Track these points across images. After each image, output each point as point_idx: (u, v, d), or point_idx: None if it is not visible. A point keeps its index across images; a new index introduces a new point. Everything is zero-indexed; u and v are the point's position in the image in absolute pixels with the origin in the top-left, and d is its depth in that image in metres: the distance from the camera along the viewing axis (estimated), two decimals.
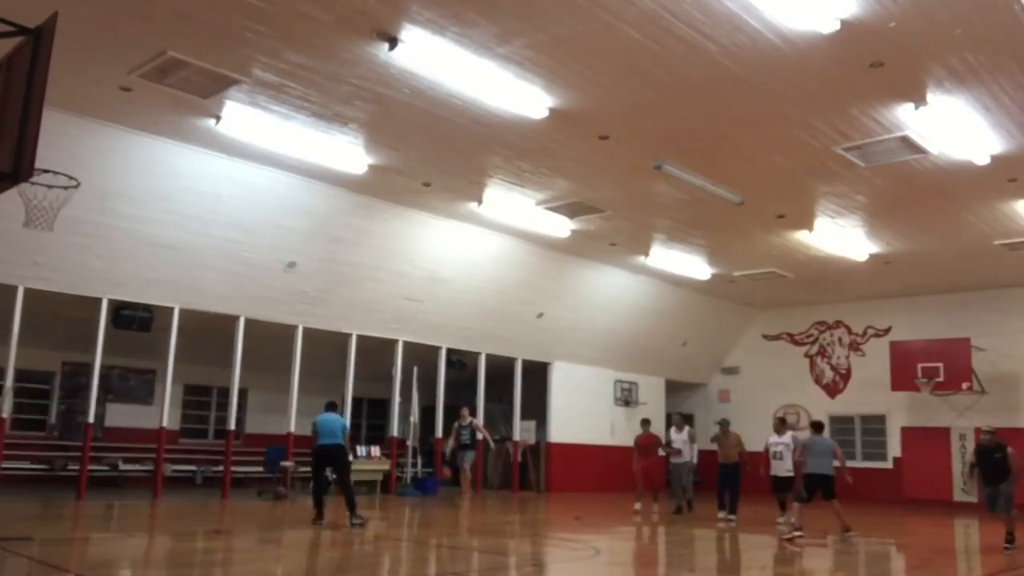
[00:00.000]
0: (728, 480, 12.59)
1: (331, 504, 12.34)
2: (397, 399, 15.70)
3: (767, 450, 12.26)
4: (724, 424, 13.28)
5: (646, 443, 13.90)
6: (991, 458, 9.70)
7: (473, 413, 15.69)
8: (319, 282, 13.77)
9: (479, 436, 15.31)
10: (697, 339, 20.89)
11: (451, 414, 17.36)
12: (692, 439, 13.75)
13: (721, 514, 12.37)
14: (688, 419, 15.19)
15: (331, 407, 10.85)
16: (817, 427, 11.26)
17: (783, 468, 12.04)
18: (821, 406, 20.44)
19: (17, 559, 6.51)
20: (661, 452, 13.79)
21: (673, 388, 21.73)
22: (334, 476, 11.24)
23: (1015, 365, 17.68)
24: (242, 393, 15.34)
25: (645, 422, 14.37)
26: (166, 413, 13.09)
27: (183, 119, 10.16)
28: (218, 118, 9.98)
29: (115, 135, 10.51)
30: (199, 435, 16.52)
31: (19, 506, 10.81)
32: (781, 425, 12.59)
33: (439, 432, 16.48)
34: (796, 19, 7.28)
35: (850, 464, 19.66)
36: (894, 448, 19.19)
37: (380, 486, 15.67)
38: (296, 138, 10.48)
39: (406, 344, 15.68)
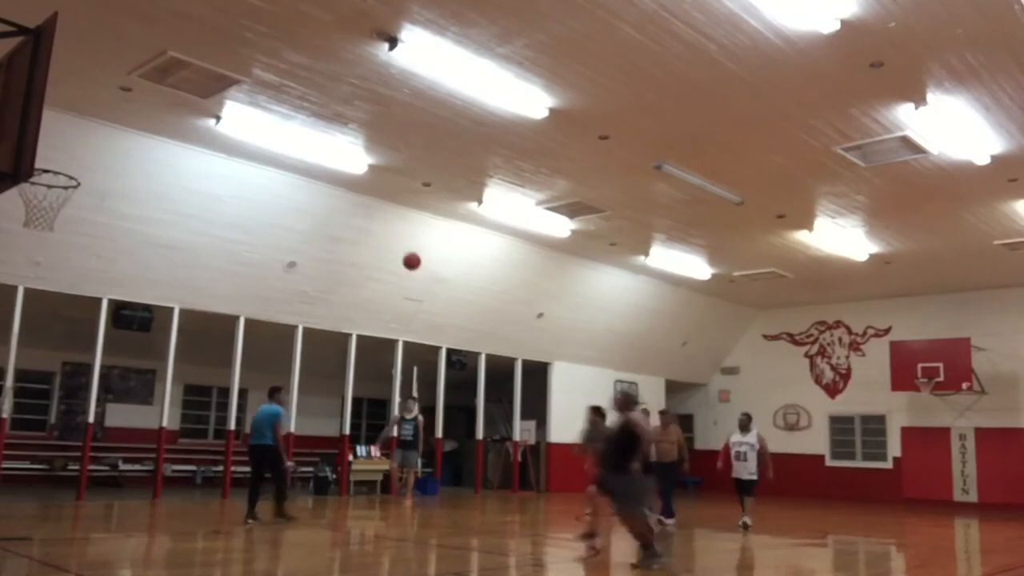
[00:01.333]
0: (662, 480, 10.90)
1: (335, 505, 12.36)
2: (397, 399, 15.70)
3: (727, 448, 11.27)
4: (665, 415, 11.90)
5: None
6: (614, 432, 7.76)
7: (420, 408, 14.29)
8: (319, 282, 13.77)
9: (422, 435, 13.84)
10: (697, 339, 20.90)
11: (451, 414, 17.43)
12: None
13: (656, 518, 10.75)
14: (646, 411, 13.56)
15: (272, 393, 10.09)
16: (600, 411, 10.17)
17: (746, 470, 11.00)
18: (821, 406, 20.47)
19: (17, 559, 6.51)
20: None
21: (673, 388, 21.73)
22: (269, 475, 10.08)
23: (1015, 365, 17.68)
24: (242, 393, 15.32)
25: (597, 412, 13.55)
26: (166, 413, 13.09)
27: (183, 119, 10.16)
28: (218, 118, 9.98)
29: (115, 135, 10.51)
30: (199, 435, 16.53)
31: (19, 506, 10.81)
32: (749, 422, 11.38)
33: (439, 432, 16.49)
34: (796, 19, 7.28)
35: (850, 464, 20.02)
36: (894, 448, 19.19)
37: (380, 486, 15.67)
38: (296, 138, 10.48)
39: (406, 344, 15.68)
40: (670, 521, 11.23)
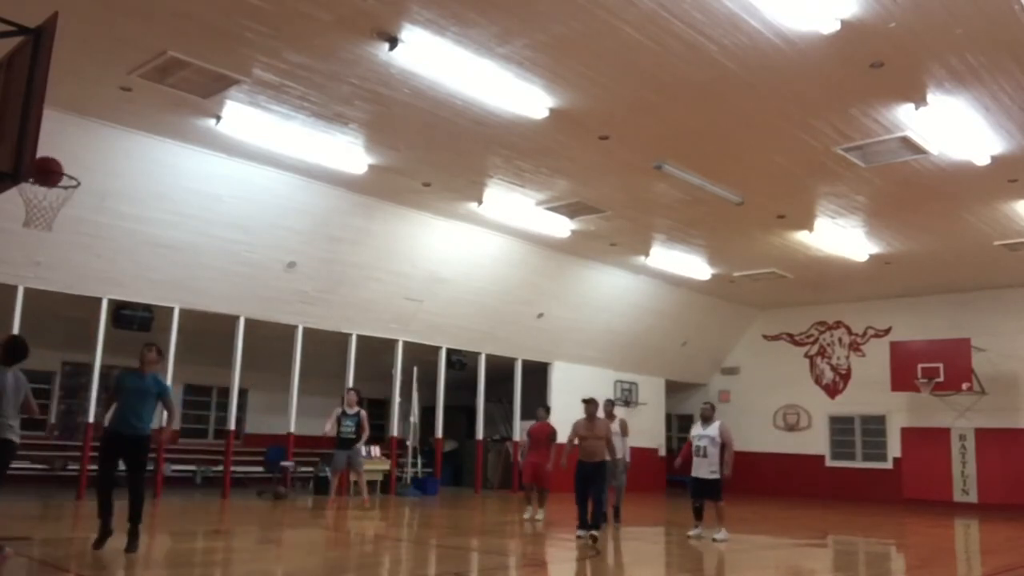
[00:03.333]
0: (589, 482, 9.30)
1: (335, 505, 12.34)
2: (397, 399, 15.71)
3: (688, 444, 10.21)
4: (590, 404, 9.77)
5: (537, 434, 11.84)
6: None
7: (361, 401, 12.68)
8: (319, 282, 13.77)
9: (365, 432, 12.37)
10: (697, 339, 20.89)
11: (451, 413, 17.43)
12: (624, 431, 11.63)
13: (581, 532, 9.26)
14: (610, 404, 11.91)
15: (153, 357, 7.32)
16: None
17: (706, 468, 9.82)
18: (821, 406, 20.46)
19: (17, 559, 6.51)
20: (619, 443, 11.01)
21: (673, 388, 21.74)
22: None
23: (1015, 365, 17.67)
24: (242, 393, 15.34)
25: (542, 408, 12.37)
26: (166, 413, 13.05)
27: (183, 119, 10.16)
28: (218, 118, 9.98)
29: (115, 135, 10.51)
30: (199, 435, 16.52)
31: (19, 506, 10.80)
32: (712, 412, 10.23)
33: (439, 432, 16.50)
34: (796, 19, 7.28)
35: (850, 464, 20.03)
36: (894, 448, 19.19)
37: (380, 486, 15.67)
38: (296, 138, 10.48)
39: (406, 344, 15.69)
40: (595, 533, 9.16)
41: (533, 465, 11.66)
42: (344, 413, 12.44)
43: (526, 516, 11.45)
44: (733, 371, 22.23)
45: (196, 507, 12.15)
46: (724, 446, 9.91)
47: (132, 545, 6.92)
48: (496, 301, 16.20)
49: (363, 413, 12.50)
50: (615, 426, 11.38)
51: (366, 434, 12.48)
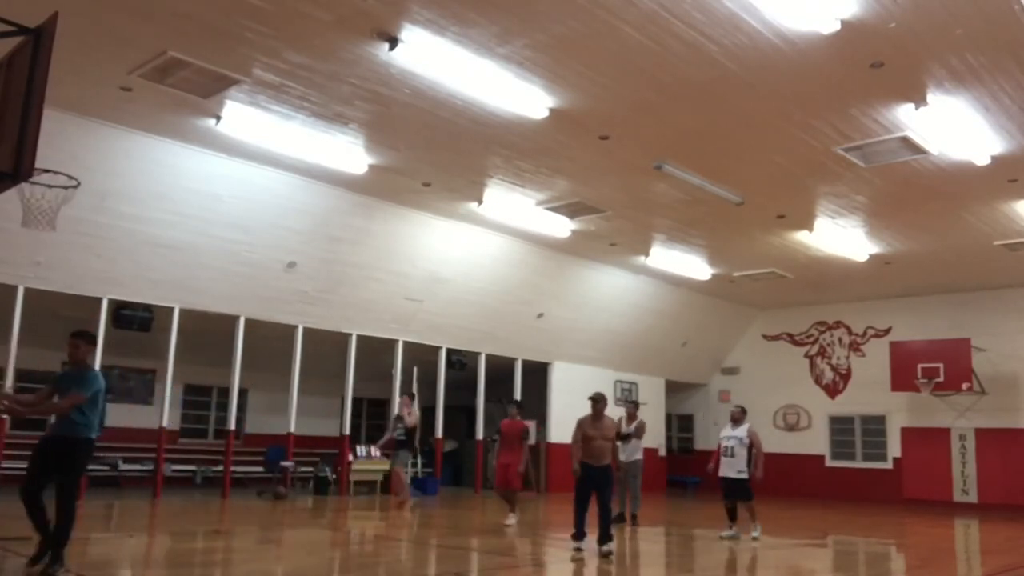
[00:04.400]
0: (595, 488, 8.42)
1: (335, 505, 12.34)
2: (397, 399, 15.70)
3: (718, 447, 10.28)
4: (598, 402, 8.88)
5: (508, 432, 11.05)
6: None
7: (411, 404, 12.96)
8: (319, 282, 13.77)
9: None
10: (697, 339, 20.90)
11: (451, 413, 17.43)
12: (640, 434, 11.44)
13: (580, 544, 8.33)
14: (634, 406, 12.23)
15: (76, 346, 6.15)
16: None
17: (734, 468, 9.97)
18: (821, 406, 20.47)
19: (17, 559, 6.52)
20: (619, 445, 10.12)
21: (673, 388, 21.74)
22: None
23: (1015, 365, 17.67)
24: (242, 393, 15.34)
25: (513, 404, 11.57)
26: (166, 413, 13.10)
27: (183, 119, 10.16)
28: (218, 118, 9.98)
29: (115, 135, 10.51)
30: (199, 435, 16.53)
31: (19, 506, 10.79)
32: (742, 415, 10.31)
33: (439, 432, 16.50)
34: (796, 19, 7.28)
35: (850, 464, 20.04)
36: (894, 448, 19.20)
37: (380, 486, 15.68)
38: (296, 138, 10.48)
39: (406, 344, 15.69)
40: (608, 548, 8.11)
41: (504, 467, 10.90)
42: (399, 417, 12.79)
43: (507, 522, 10.58)
44: (733, 371, 22.23)
45: (196, 507, 12.15)
46: (753, 448, 10.06)
47: (47, 568, 5.85)
48: (496, 301, 16.20)
49: (415, 414, 12.82)
50: (633, 428, 11.49)
51: (410, 429, 12.63)
